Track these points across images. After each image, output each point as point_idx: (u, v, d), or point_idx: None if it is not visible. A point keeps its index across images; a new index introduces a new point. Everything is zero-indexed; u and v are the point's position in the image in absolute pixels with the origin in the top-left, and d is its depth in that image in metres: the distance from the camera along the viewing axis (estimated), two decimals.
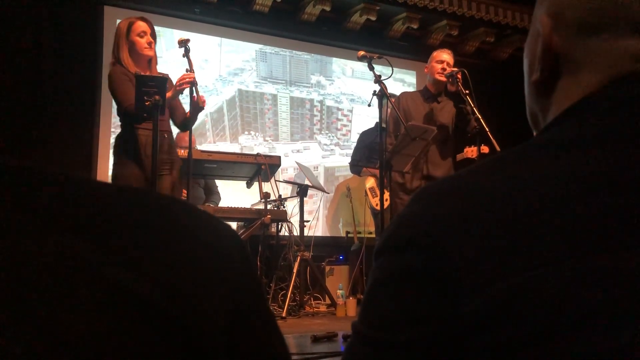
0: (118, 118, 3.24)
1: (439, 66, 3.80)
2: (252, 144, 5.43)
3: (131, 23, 3.16)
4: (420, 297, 0.44)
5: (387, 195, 3.55)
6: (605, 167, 0.44)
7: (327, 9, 5.58)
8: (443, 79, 3.74)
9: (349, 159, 5.66)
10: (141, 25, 3.15)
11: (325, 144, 5.76)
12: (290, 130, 5.71)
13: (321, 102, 5.88)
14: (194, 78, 3.03)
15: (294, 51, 5.83)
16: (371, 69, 3.21)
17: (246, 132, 5.45)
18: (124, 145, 3.09)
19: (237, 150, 5.32)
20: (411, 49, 6.26)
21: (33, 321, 0.30)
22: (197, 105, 3.06)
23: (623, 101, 0.48)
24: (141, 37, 3.14)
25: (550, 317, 0.40)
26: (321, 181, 5.64)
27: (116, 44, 3.19)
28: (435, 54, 3.90)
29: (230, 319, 0.38)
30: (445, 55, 3.84)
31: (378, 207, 3.76)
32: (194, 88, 3.00)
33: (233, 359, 0.38)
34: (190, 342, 0.35)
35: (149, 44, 3.15)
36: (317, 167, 5.67)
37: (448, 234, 0.44)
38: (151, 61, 3.21)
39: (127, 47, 3.14)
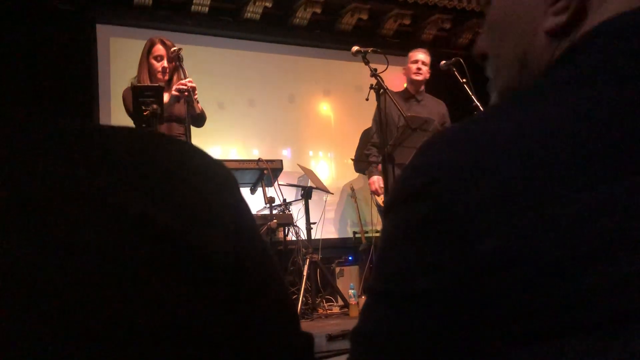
0: None
1: (414, 66, 3.94)
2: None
3: (152, 45, 3.18)
4: (434, 244, 0.43)
5: None
6: (617, 99, 0.42)
7: (318, 11, 5.58)
8: (419, 78, 3.89)
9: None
10: (159, 49, 3.15)
11: None
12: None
13: None
14: (192, 85, 3.01)
15: (288, 61, 5.89)
16: (366, 63, 3.20)
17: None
18: None
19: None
20: (405, 46, 6.24)
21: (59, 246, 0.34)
22: (195, 112, 3.05)
23: (634, 32, 0.45)
24: (157, 60, 3.14)
25: (569, 248, 0.38)
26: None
27: (139, 63, 3.22)
28: (410, 54, 4.04)
29: (234, 243, 0.42)
30: (420, 55, 3.96)
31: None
32: (192, 95, 2.98)
33: (239, 277, 0.42)
34: (204, 266, 0.40)
35: (163, 69, 3.14)
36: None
37: (457, 179, 0.43)
38: (170, 84, 3.18)
39: (147, 68, 3.17)
